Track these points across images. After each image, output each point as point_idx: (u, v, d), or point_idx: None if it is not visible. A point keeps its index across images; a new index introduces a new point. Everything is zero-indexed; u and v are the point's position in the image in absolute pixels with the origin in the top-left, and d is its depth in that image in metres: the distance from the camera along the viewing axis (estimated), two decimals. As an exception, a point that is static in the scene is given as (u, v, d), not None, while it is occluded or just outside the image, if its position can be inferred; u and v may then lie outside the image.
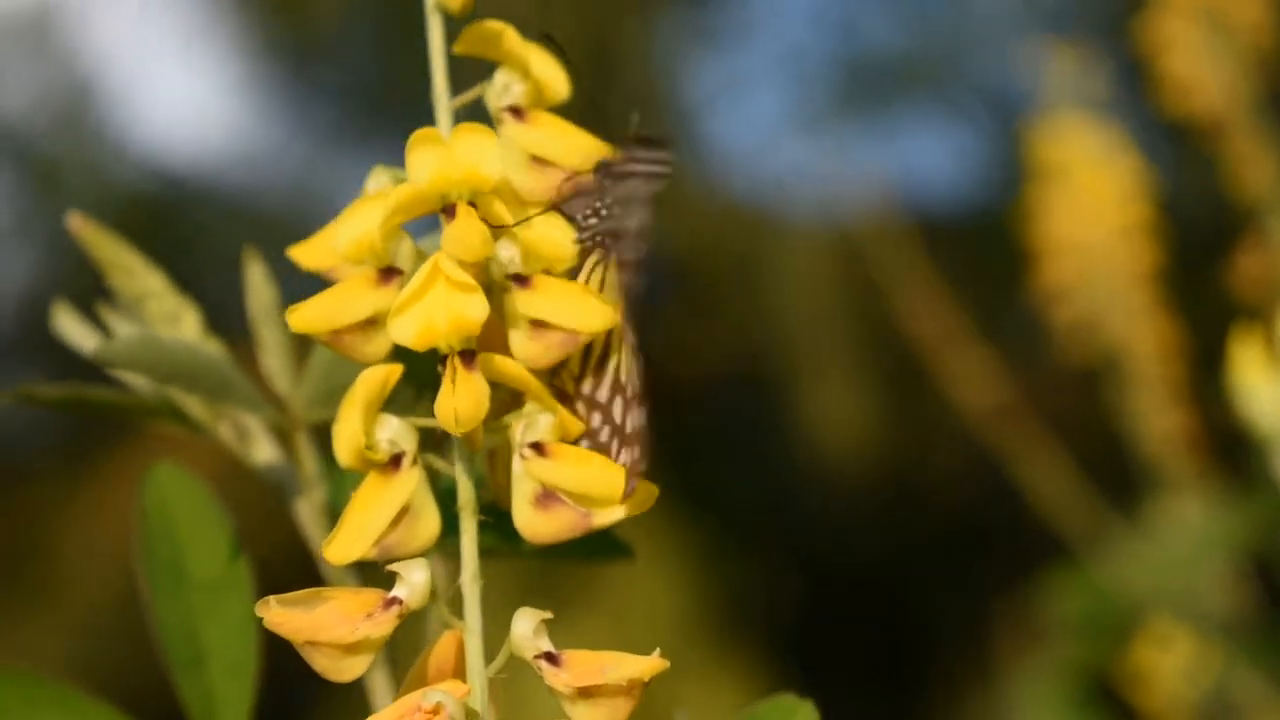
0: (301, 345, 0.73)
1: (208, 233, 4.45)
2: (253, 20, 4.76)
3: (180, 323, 0.77)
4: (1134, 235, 2.14)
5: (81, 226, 0.77)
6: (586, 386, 0.69)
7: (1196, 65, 2.04)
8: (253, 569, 0.78)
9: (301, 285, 0.72)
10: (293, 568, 0.78)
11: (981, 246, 2.22)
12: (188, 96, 5.11)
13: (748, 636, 3.61)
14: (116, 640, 3.27)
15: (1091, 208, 2.15)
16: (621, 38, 4.19)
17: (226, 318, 0.87)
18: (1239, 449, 1.80)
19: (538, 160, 0.70)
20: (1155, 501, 2.05)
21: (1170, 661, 1.94)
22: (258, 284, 0.78)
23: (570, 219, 0.69)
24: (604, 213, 0.69)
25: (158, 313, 0.77)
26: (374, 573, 0.66)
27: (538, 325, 0.66)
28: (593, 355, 0.69)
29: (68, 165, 4.56)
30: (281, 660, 0.70)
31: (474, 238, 0.64)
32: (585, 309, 0.66)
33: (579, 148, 0.70)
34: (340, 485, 0.79)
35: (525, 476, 0.67)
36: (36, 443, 4.10)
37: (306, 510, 0.80)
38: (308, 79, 4.82)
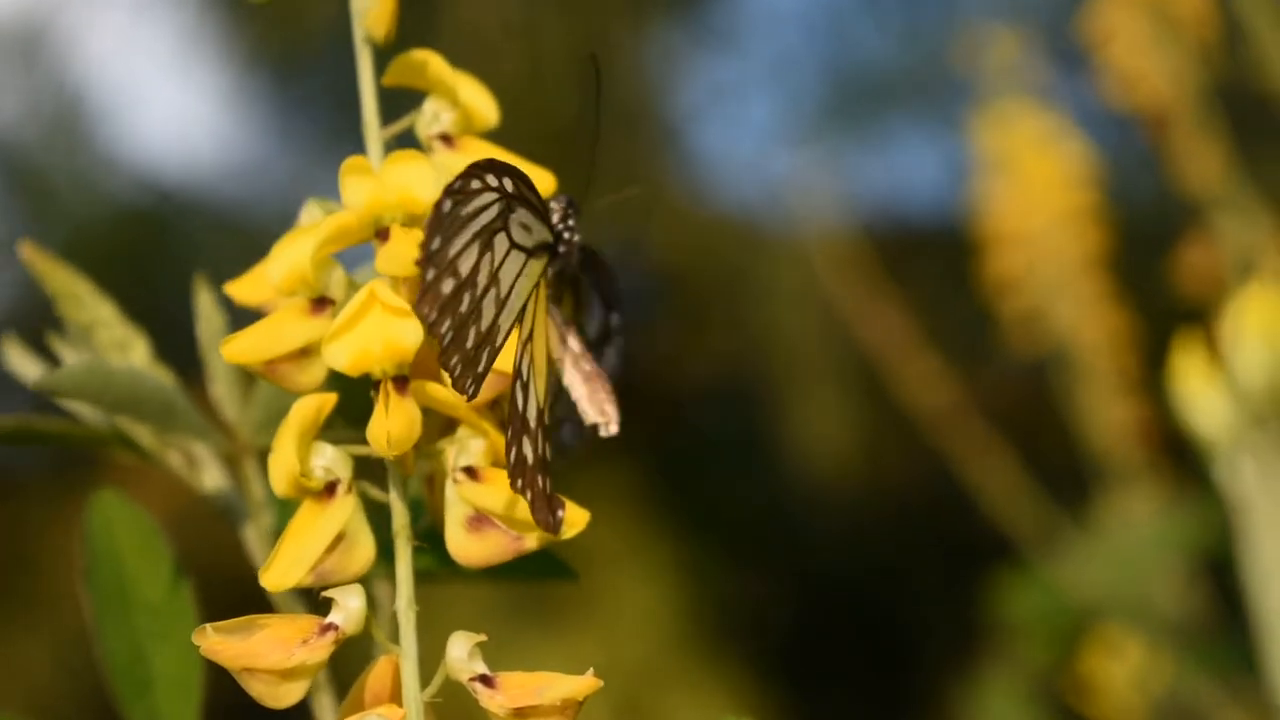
0: (248, 371, 0.74)
1: (197, 244, 4.46)
2: (242, 33, 4.77)
3: (129, 351, 0.78)
4: (1080, 221, 2.14)
5: (32, 255, 0.77)
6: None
7: (1141, 57, 2.04)
8: (199, 593, 0.79)
9: (255, 315, 0.72)
10: (256, 596, 0.79)
11: (962, 253, 2.23)
12: (177, 110, 5.12)
13: (737, 649, 3.62)
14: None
15: (1037, 195, 2.16)
16: (610, 48, 4.20)
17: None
18: (1189, 444, 1.80)
19: None
20: (1106, 499, 2.05)
21: (1121, 667, 1.94)
22: (207, 312, 0.79)
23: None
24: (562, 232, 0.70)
25: (108, 341, 0.78)
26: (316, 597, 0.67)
27: None
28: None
29: (57, 179, 4.56)
30: (234, 683, 0.71)
31: (410, 251, 0.64)
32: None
33: None
34: (287, 511, 0.80)
35: (457, 500, 0.67)
36: (25, 458, 4.11)
37: (254, 535, 0.80)
38: (297, 92, 4.83)
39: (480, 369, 0.64)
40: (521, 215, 0.65)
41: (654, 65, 4.61)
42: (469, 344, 0.63)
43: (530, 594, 3.16)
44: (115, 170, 4.73)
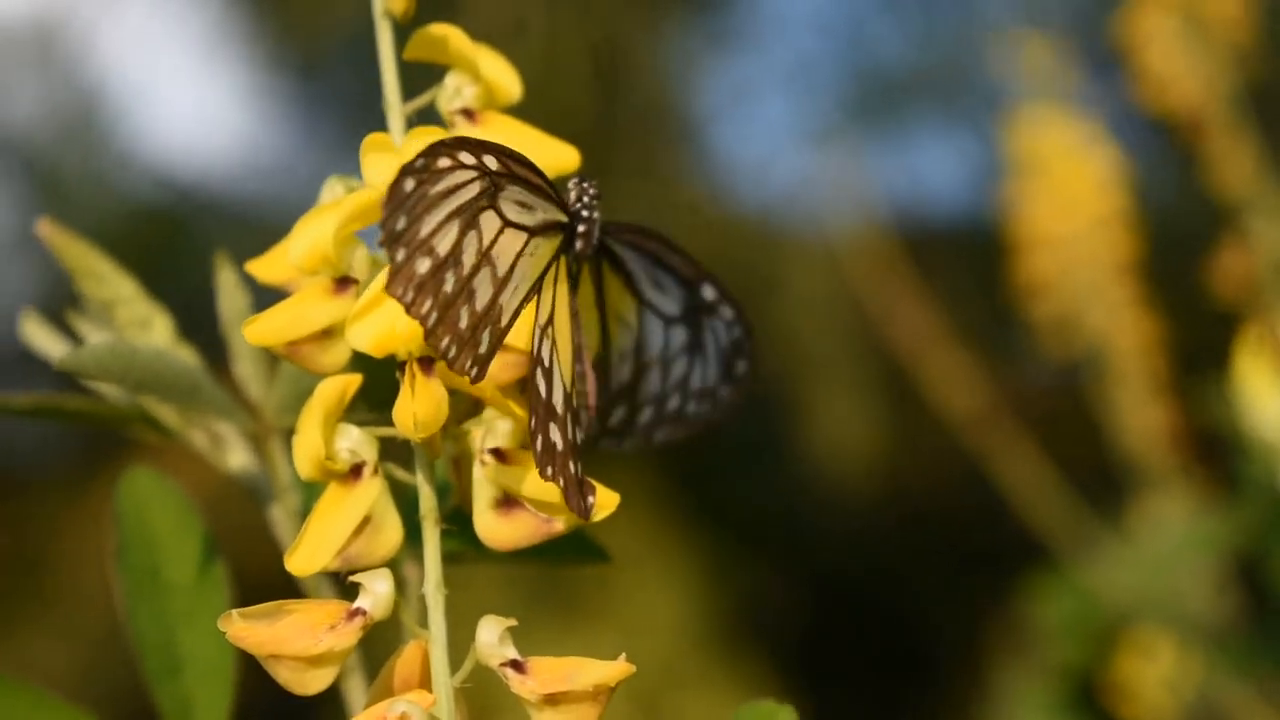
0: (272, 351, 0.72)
1: (215, 243, 4.45)
2: (261, 31, 4.77)
3: (151, 329, 0.77)
4: (1112, 226, 2.13)
5: (50, 232, 0.76)
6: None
7: (1174, 61, 2.03)
8: (232, 574, 0.78)
9: (277, 295, 0.71)
10: (281, 575, 0.78)
11: (987, 254, 2.23)
12: (196, 107, 5.12)
13: (754, 646, 3.60)
14: (117, 651, 3.27)
15: (1069, 200, 2.14)
16: (629, 47, 4.19)
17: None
18: (1221, 446, 1.79)
19: None
20: (1138, 502, 2.04)
21: (1154, 668, 1.93)
22: (229, 290, 0.78)
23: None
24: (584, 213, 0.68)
25: (128, 319, 0.77)
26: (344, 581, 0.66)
27: None
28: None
29: (75, 176, 4.56)
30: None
31: None
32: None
33: (533, 146, 0.69)
34: (313, 491, 0.79)
35: (485, 482, 0.66)
36: (38, 455, 4.11)
37: (280, 516, 0.79)
38: (316, 90, 4.82)
39: (482, 350, 0.62)
40: (515, 193, 0.63)
41: (672, 65, 4.60)
42: (462, 324, 0.62)
43: (548, 588, 3.15)
44: (133, 168, 4.73)
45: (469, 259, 0.62)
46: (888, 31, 4.86)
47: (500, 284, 0.63)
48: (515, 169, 0.63)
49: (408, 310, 0.61)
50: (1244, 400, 1.19)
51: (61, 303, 0.87)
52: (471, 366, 0.62)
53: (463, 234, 0.61)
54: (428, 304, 0.61)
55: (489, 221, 0.62)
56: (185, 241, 4.36)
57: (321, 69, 4.77)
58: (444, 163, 0.61)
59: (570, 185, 0.68)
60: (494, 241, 0.63)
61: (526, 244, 0.64)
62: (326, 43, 4.63)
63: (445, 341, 0.61)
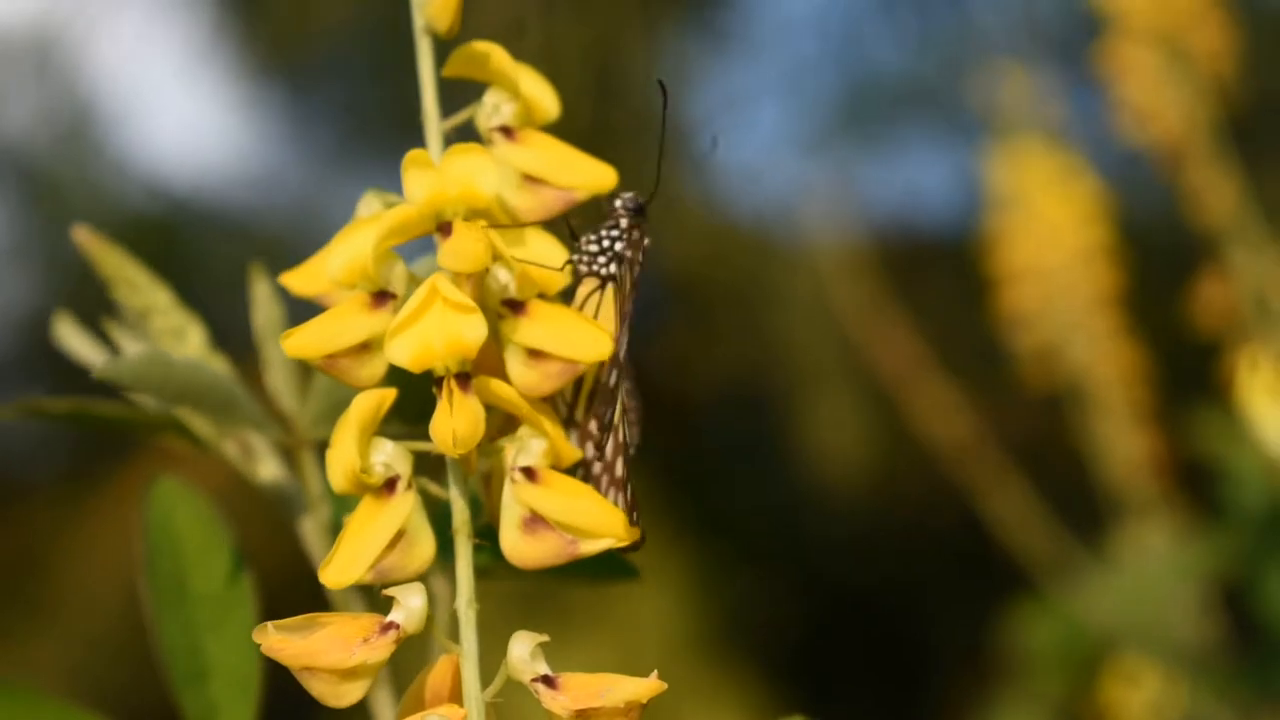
0: (306, 363, 0.73)
1: (209, 254, 4.45)
2: (254, 42, 4.77)
3: (185, 338, 0.77)
4: (1094, 258, 2.14)
5: (87, 239, 0.76)
6: (582, 418, 0.69)
7: (1156, 92, 2.03)
8: (256, 585, 0.78)
9: (305, 306, 0.71)
10: (298, 585, 0.78)
11: (977, 267, 2.23)
12: (190, 118, 5.11)
13: (750, 656, 3.60)
14: (119, 657, 3.27)
15: (1051, 232, 2.15)
16: (624, 56, 4.19)
17: (229, 339, 0.87)
18: (1204, 474, 1.79)
19: (530, 179, 0.70)
20: (1121, 529, 2.05)
21: (1139, 695, 1.93)
22: (263, 301, 0.78)
23: (569, 241, 0.69)
24: (613, 243, 0.69)
25: (163, 328, 0.77)
26: (378, 592, 0.66)
27: (535, 354, 0.66)
28: (584, 386, 0.69)
29: (70, 186, 4.55)
30: (289, 675, 0.70)
31: (473, 246, 0.64)
32: (583, 337, 0.66)
33: (572, 165, 0.70)
34: (345, 504, 0.79)
35: (515, 501, 0.66)
36: (40, 461, 4.10)
37: (311, 528, 0.79)
38: (309, 101, 4.82)
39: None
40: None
41: (667, 72, 4.60)
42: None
43: (543, 596, 3.15)
44: (127, 178, 4.72)
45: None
46: (882, 40, 4.86)
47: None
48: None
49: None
50: (1246, 418, 1.19)
51: (60, 308, 0.86)
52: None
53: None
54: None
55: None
56: (178, 251, 4.35)
57: (312, 79, 4.77)
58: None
59: (618, 205, 0.70)
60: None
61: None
62: (317, 54, 4.63)
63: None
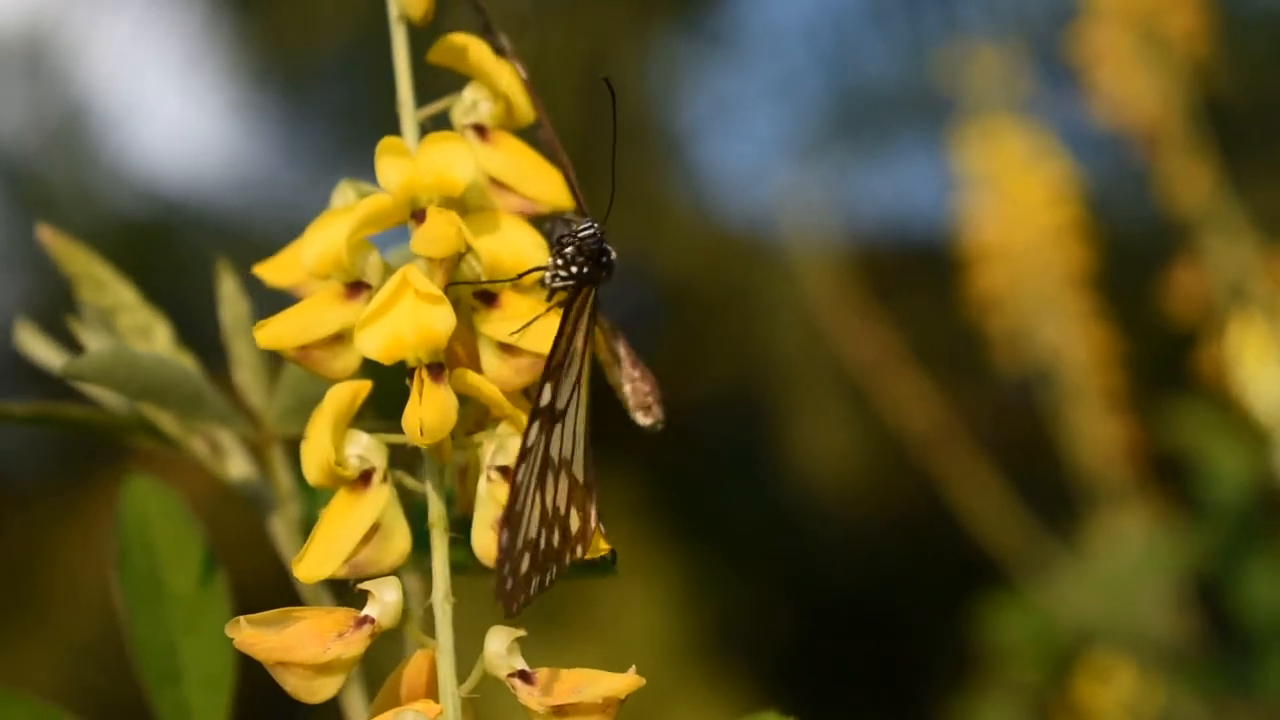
0: (275, 359, 0.72)
1: (202, 257, 4.45)
2: (247, 45, 4.77)
3: (152, 336, 0.76)
4: (1064, 238, 2.13)
5: (51, 239, 0.76)
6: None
7: (1131, 76, 2.02)
8: (231, 583, 0.77)
9: (278, 303, 0.71)
10: (279, 590, 0.77)
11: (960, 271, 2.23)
12: (183, 121, 5.11)
13: (738, 659, 3.60)
14: (107, 663, 3.26)
15: (1020, 212, 2.14)
16: (615, 61, 4.19)
17: (221, 342, 0.86)
18: (1178, 466, 1.78)
19: (496, 184, 0.69)
20: (1095, 519, 2.03)
21: (1112, 690, 1.92)
22: (230, 297, 0.78)
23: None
24: (574, 265, 0.68)
25: (129, 326, 0.76)
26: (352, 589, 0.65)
27: (506, 348, 0.66)
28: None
29: (61, 189, 4.55)
30: (261, 676, 0.69)
31: (446, 230, 0.63)
32: (551, 331, 0.65)
33: (538, 176, 0.69)
34: (315, 500, 0.78)
35: (489, 499, 0.65)
36: (28, 467, 4.09)
37: (280, 526, 0.79)
38: (303, 104, 4.82)
39: None
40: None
41: (658, 78, 4.61)
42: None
43: (531, 604, 3.14)
44: (120, 182, 4.72)
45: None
46: (873, 46, 4.87)
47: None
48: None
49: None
50: (1240, 380, 1.18)
51: (49, 313, 0.86)
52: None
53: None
54: None
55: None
56: (171, 254, 4.35)
57: (306, 83, 4.77)
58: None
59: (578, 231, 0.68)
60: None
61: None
62: (311, 57, 4.63)
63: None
